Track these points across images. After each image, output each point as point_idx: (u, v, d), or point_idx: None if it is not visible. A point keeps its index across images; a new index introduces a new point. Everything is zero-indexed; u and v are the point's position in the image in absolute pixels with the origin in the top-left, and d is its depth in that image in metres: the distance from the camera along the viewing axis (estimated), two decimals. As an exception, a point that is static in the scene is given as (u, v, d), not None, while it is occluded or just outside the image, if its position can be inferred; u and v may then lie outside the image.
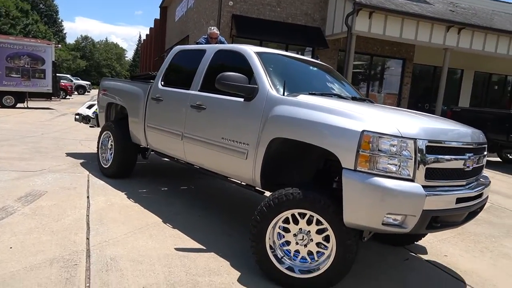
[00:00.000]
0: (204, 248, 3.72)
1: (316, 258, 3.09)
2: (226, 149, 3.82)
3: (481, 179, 3.48)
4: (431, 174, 2.83)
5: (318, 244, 3.08)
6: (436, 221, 2.84)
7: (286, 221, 3.15)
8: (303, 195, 2.97)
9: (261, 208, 3.14)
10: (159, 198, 5.13)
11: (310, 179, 3.53)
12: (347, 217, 2.80)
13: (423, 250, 4.33)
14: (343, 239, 2.90)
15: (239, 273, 3.26)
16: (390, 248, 4.28)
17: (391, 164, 2.74)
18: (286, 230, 3.17)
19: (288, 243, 3.19)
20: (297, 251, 3.17)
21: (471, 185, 3.20)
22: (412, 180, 2.75)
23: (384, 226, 2.72)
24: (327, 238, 3.05)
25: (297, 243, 3.12)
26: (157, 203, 4.88)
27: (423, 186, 2.73)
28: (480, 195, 3.23)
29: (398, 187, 2.67)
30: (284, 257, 3.19)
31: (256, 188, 3.68)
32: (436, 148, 2.87)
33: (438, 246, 4.47)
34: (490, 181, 3.58)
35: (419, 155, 2.75)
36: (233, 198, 5.65)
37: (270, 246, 3.18)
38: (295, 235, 3.12)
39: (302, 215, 3.08)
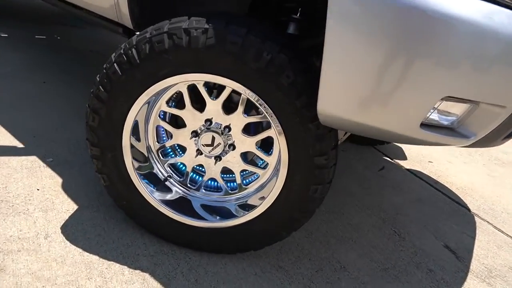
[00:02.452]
0: (21, 146, 1.86)
1: (239, 183, 1.42)
2: None
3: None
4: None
5: (245, 158, 1.39)
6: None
7: (179, 102, 1.36)
8: (217, 36, 1.12)
9: (109, 67, 1.25)
10: (-19, 49, 2.95)
11: (242, 10, 1.64)
12: (329, 103, 1.05)
13: (399, 153, 2.90)
14: (308, 154, 1.20)
15: (74, 208, 1.52)
16: (353, 147, 2.79)
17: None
18: (177, 123, 1.39)
19: (182, 150, 1.45)
20: (200, 167, 1.47)
21: None
22: (515, 10, 1.00)
23: (422, 131, 1.03)
24: (266, 144, 1.36)
25: (199, 152, 1.39)
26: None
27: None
28: None
29: (492, 23, 0.92)
30: (172, 179, 1.47)
31: (126, 28, 1.73)
32: None
33: (414, 146, 3.07)
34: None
35: None
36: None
37: (136, 155, 1.41)
38: (196, 134, 1.36)
39: (215, 90, 1.31)
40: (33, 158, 1.77)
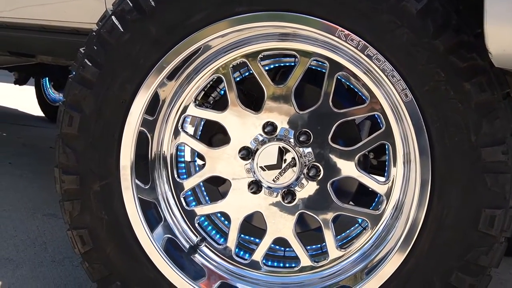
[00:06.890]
0: None
1: (331, 245, 0.76)
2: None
3: None
4: None
5: (339, 193, 0.77)
6: None
7: (215, 104, 0.80)
8: None
9: (102, 25, 0.69)
10: None
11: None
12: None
13: None
14: (470, 143, 0.61)
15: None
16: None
17: None
18: (210, 143, 0.80)
19: (209, 193, 0.83)
20: (248, 240, 0.82)
21: None
22: None
23: None
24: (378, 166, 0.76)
25: (255, 189, 0.75)
26: None
27: None
28: None
29: None
30: (205, 245, 0.79)
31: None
32: None
33: None
34: None
35: None
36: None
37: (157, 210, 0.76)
38: (248, 152, 0.74)
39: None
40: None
